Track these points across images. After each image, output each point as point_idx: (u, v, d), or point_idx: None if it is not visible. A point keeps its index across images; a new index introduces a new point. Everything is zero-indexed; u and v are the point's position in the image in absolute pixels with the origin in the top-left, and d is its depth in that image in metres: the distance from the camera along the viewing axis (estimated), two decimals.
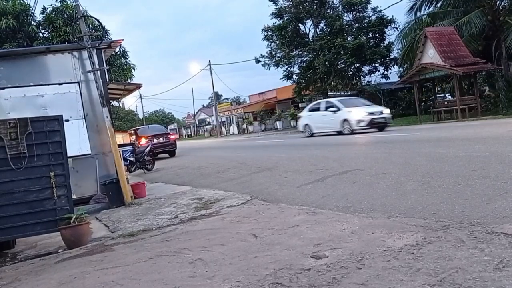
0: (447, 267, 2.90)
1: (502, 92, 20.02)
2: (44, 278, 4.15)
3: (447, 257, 3.08)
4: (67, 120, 7.20)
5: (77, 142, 7.86)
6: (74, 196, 6.27)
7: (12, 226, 5.36)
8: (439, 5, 24.62)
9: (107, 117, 8.06)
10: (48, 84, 7.98)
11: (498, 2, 22.85)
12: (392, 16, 31.38)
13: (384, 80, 32.01)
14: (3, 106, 7.58)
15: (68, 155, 5.84)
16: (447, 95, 29.67)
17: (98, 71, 8.10)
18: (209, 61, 50.50)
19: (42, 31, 22.23)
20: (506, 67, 21.27)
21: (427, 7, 25.10)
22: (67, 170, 5.68)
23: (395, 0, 33.57)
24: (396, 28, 29.94)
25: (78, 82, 8.17)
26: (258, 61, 34.35)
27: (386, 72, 31.50)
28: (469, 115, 19.81)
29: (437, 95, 27.15)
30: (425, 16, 25.17)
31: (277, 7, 32.78)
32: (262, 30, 33.78)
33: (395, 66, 30.44)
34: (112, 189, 7.99)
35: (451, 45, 20.59)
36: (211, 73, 50.49)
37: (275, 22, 33.11)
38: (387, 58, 30.61)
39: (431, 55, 20.58)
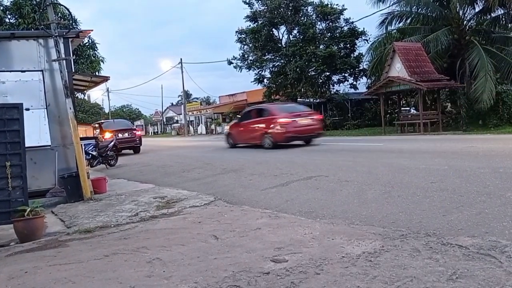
0: (403, 275, 2.96)
1: (463, 109, 20.78)
2: None
3: (403, 266, 3.14)
4: (27, 109, 6.94)
5: (37, 132, 7.58)
6: (30, 188, 6.02)
7: None
8: (408, 21, 25.32)
9: (70, 108, 7.80)
10: (10, 71, 7.66)
11: (465, 22, 23.73)
12: (364, 28, 31.93)
13: (352, 90, 32.63)
14: None
15: (27, 145, 5.62)
16: (411, 108, 30.55)
17: (64, 61, 7.84)
18: (181, 59, 50.34)
19: (9, 16, 21.36)
20: (468, 85, 22.06)
21: (397, 22, 25.80)
22: (24, 161, 5.47)
23: (367, 13, 34.42)
24: (367, 40, 30.59)
25: (42, 71, 7.89)
26: (230, 63, 34.22)
27: (354, 83, 32.15)
28: (431, 129, 20.45)
29: (402, 108, 27.90)
30: (394, 31, 25.85)
31: (252, 10, 32.83)
32: (236, 32, 33.80)
33: (364, 77, 31.05)
34: (71, 183, 7.74)
35: (417, 61, 21.23)
36: (182, 71, 50.25)
37: (249, 25, 33.18)
38: (357, 69, 31.22)
39: (398, 69, 21.14)
